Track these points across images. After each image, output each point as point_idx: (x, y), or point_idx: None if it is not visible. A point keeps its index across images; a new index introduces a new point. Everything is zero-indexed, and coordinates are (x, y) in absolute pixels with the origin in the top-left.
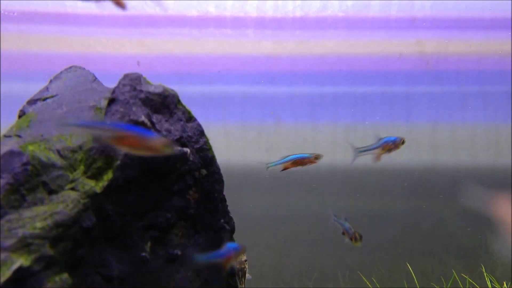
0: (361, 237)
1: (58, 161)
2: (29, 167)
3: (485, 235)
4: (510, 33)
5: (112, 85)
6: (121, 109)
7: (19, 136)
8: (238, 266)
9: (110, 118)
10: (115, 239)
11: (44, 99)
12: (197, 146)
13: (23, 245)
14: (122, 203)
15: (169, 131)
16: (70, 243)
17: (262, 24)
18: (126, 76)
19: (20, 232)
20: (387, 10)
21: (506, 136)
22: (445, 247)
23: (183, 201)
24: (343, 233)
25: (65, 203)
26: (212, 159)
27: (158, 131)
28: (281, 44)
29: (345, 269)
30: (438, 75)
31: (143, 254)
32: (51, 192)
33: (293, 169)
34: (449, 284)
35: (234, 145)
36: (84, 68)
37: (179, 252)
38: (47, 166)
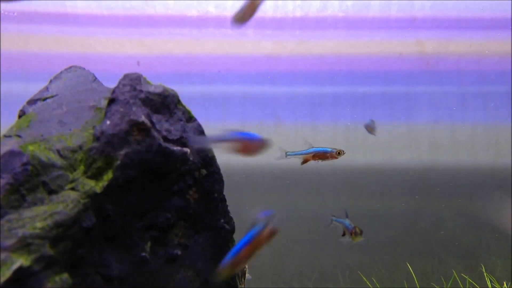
0: (361, 231)
1: (58, 161)
2: (29, 167)
3: (485, 235)
4: (510, 33)
5: (112, 85)
6: (121, 109)
7: (19, 136)
8: None
9: (110, 118)
10: (115, 239)
11: (44, 99)
12: (197, 146)
13: (23, 245)
14: (122, 203)
15: (169, 131)
16: (70, 243)
17: (262, 24)
18: (126, 76)
19: (20, 232)
20: (387, 10)
21: (506, 136)
22: (445, 247)
23: (183, 201)
24: (343, 235)
25: (65, 203)
26: (212, 159)
27: (158, 131)
28: (281, 44)
29: (345, 269)
30: (438, 75)
31: (143, 254)
32: (51, 192)
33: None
34: (449, 284)
35: None
36: (84, 68)
37: (179, 252)
38: (47, 166)
